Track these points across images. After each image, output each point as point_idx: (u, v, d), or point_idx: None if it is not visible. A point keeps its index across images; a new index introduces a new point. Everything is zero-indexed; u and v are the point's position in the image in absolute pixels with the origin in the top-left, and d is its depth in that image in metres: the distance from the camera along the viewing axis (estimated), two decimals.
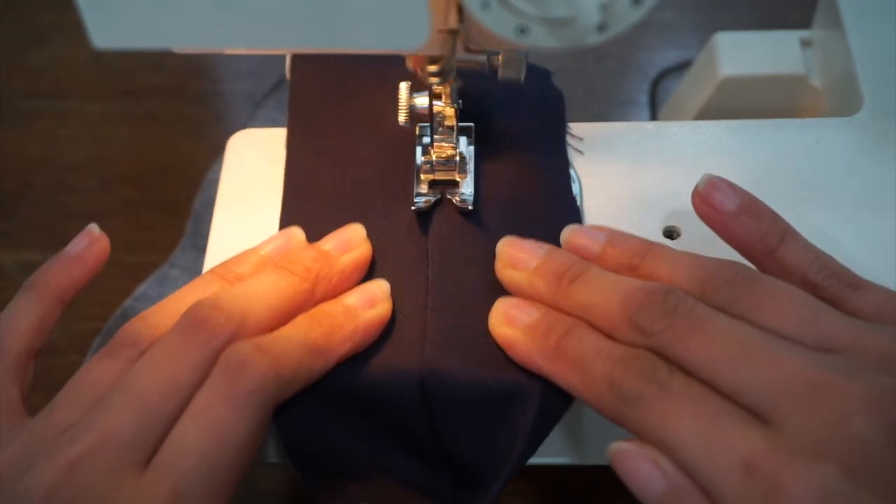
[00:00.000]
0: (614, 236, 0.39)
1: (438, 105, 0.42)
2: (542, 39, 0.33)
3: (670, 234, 0.45)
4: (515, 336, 0.38)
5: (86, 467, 0.33)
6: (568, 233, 0.40)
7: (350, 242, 0.41)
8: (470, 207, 0.42)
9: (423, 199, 0.43)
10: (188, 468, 0.34)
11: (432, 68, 0.40)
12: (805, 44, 0.56)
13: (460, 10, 0.35)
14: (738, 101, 0.56)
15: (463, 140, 0.44)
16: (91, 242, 0.42)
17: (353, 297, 0.40)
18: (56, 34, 0.77)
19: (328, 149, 0.47)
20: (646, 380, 0.34)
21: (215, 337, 0.36)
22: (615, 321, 0.36)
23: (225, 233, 0.46)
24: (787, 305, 0.35)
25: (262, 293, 0.38)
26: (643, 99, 0.71)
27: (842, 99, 0.51)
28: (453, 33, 0.37)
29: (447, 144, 0.43)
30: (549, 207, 0.44)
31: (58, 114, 0.73)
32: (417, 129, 0.44)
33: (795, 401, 0.32)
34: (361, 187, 0.45)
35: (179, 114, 0.73)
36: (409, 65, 0.41)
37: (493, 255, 0.40)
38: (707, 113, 0.57)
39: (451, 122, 0.43)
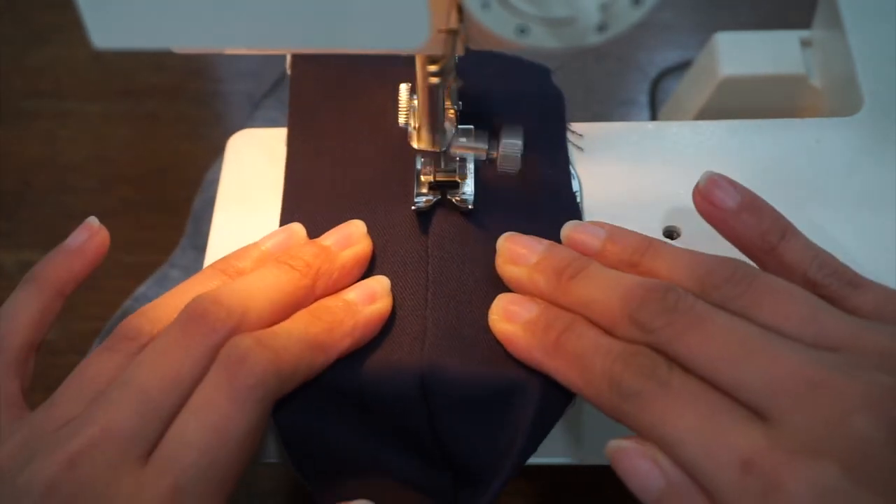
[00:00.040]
0: (614, 232, 0.40)
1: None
2: (542, 39, 0.33)
3: (670, 234, 0.45)
4: (515, 332, 0.38)
5: (86, 461, 0.33)
6: (568, 229, 0.40)
7: (351, 238, 0.41)
8: (470, 207, 0.43)
9: (424, 199, 0.43)
10: (188, 463, 0.34)
11: (432, 68, 0.40)
12: (805, 44, 0.56)
13: (460, 10, 0.35)
14: (738, 101, 0.56)
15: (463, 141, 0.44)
16: (90, 235, 0.42)
17: (354, 293, 0.40)
18: (56, 34, 0.77)
19: (328, 149, 0.47)
20: (645, 376, 0.34)
21: (216, 331, 0.36)
22: (615, 317, 0.36)
23: (225, 233, 0.46)
24: (787, 303, 0.35)
25: (262, 288, 0.38)
26: (643, 99, 0.71)
27: (842, 99, 0.51)
28: (453, 33, 0.37)
29: None
30: (550, 205, 0.44)
31: (58, 114, 0.73)
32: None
33: (795, 398, 0.32)
34: (361, 187, 0.45)
35: (179, 114, 0.73)
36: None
37: (493, 253, 0.40)
38: (707, 113, 0.57)
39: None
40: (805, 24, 0.57)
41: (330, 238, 0.41)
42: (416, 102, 0.41)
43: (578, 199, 0.45)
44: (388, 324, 0.40)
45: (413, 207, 0.43)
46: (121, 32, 0.32)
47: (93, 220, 0.43)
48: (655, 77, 0.71)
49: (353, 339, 0.38)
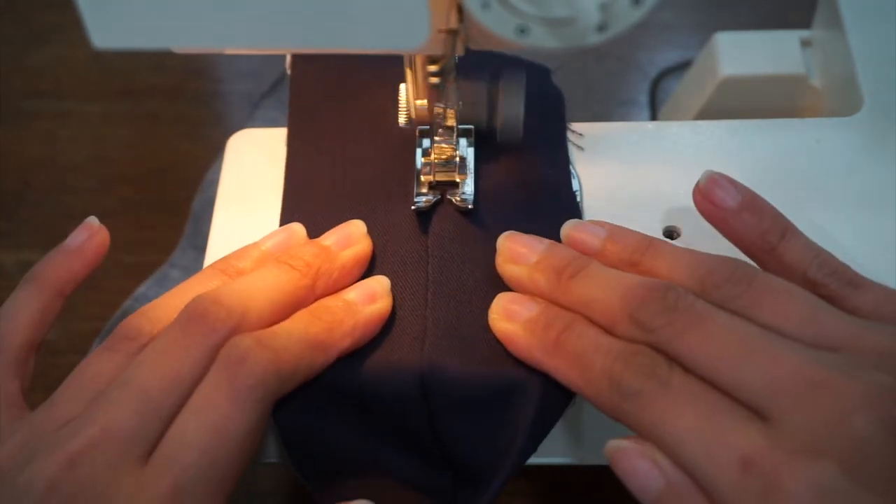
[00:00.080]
0: (615, 232, 0.40)
1: (439, 107, 0.42)
2: (542, 39, 0.33)
3: (670, 234, 0.45)
4: (515, 331, 0.38)
5: (86, 461, 0.33)
6: (568, 228, 0.40)
7: (351, 238, 0.41)
8: (470, 207, 0.43)
9: (424, 199, 0.43)
10: (188, 463, 0.34)
11: (432, 68, 0.40)
12: (805, 44, 0.56)
13: (460, 10, 0.35)
14: (738, 101, 0.56)
15: (463, 142, 0.44)
16: (90, 235, 0.42)
17: (354, 293, 0.40)
18: (56, 34, 0.77)
19: (328, 149, 0.47)
20: (645, 376, 0.34)
21: (216, 331, 0.36)
22: (615, 317, 0.36)
23: (225, 233, 0.46)
24: (787, 303, 0.35)
25: (262, 288, 0.38)
26: (643, 99, 0.71)
27: (842, 99, 0.51)
28: (453, 33, 0.37)
29: (447, 146, 0.43)
30: (550, 205, 0.44)
31: (58, 114, 0.73)
32: (417, 131, 0.44)
33: (795, 398, 0.32)
34: (361, 187, 0.45)
35: (179, 114, 0.73)
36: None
37: (493, 253, 0.40)
38: (707, 113, 0.57)
39: (451, 123, 0.43)
40: (805, 24, 0.57)
41: (330, 238, 0.41)
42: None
43: (578, 199, 0.45)
44: (388, 324, 0.40)
45: (413, 207, 0.43)
46: (121, 32, 0.33)
47: (92, 220, 0.43)
48: (655, 77, 0.71)
49: (353, 338, 0.38)
